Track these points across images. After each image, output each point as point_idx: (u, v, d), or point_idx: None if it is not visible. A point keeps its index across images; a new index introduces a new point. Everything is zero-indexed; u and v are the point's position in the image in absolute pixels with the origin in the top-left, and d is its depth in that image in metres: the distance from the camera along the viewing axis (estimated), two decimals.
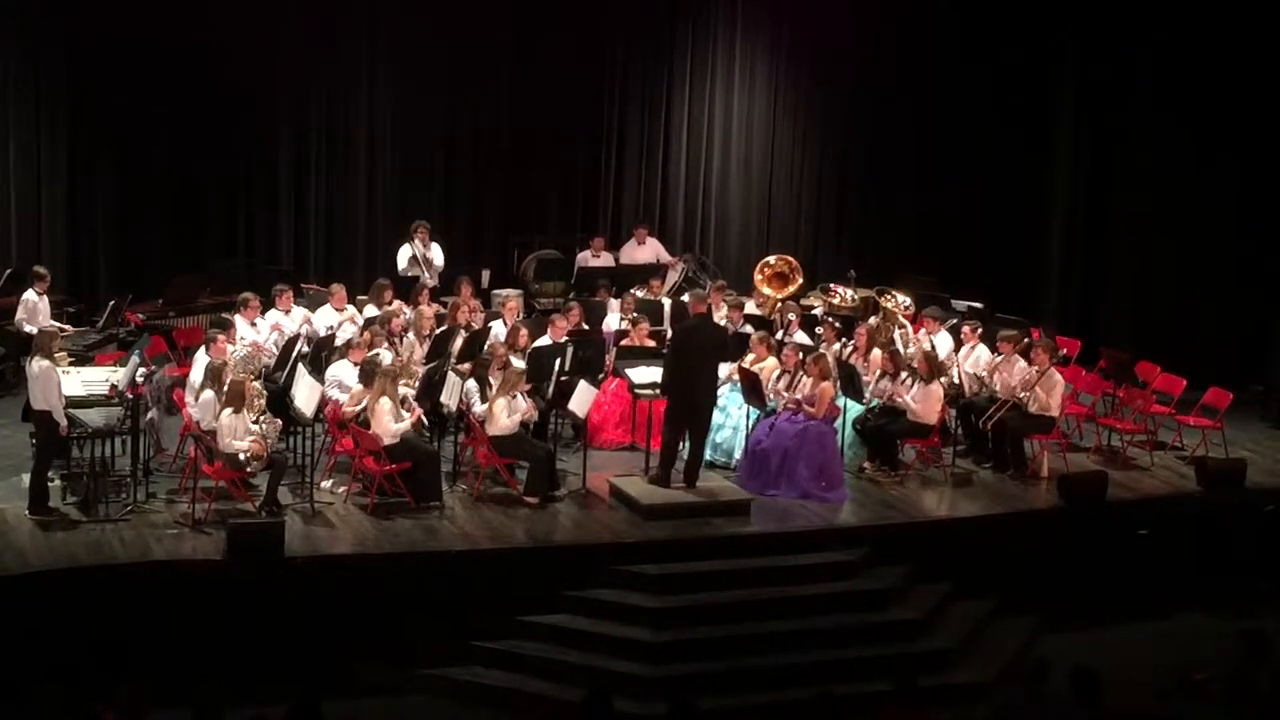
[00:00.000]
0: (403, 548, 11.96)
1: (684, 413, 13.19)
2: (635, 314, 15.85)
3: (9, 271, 16.77)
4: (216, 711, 8.09)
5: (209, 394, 12.39)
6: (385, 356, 13.67)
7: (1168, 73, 18.90)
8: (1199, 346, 18.26)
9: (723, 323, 15.87)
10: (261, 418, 12.55)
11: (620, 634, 11.72)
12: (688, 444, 13.30)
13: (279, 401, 13.23)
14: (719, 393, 14.40)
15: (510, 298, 16.50)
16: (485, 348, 14.35)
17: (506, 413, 12.97)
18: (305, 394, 12.85)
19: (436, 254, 17.50)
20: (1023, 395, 14.20)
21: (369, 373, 12.94)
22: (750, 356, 14.50)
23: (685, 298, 16.30)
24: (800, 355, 14.11)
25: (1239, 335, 18.64)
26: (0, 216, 18.01)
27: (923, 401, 13.94)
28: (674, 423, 13.25)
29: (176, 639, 10.89)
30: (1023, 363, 14.47)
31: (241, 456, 12.12)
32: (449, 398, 13.33)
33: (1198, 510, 14.16)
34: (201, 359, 13.18)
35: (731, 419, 14.32)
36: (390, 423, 12.56)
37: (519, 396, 13.11)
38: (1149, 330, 18.47)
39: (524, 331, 14.65)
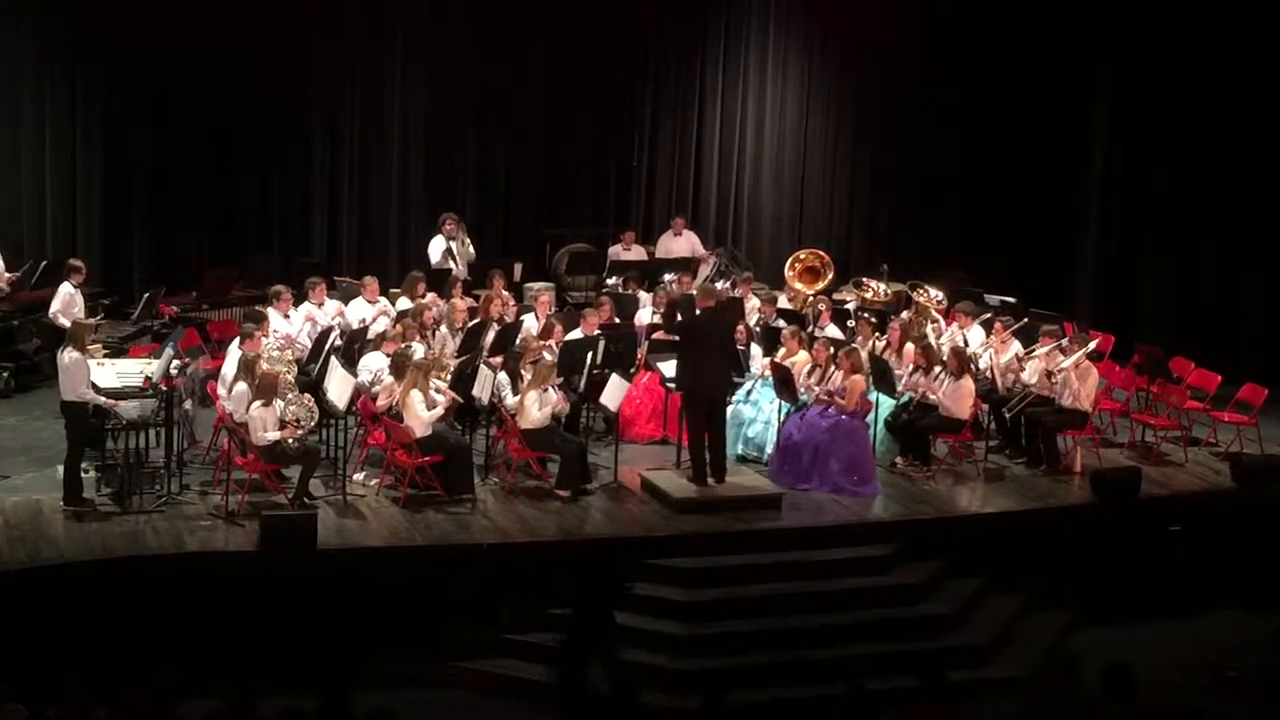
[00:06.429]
0: (435, 540, 12.00)
1: (702, 407, 13.12)
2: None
3: (44, 264, 16.85)
4: (248, 702, 8.12)
5: (242, 386, 12.42)
6: (418, 349, 13.70)
7: (1207, 66, 18.75)
8: (1234, 342, 18.11)
9: (754, 315, 15.87)
10: (291, 394, 12.52)
11: (651, 627, 11.72)
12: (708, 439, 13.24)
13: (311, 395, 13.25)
14: (752, 387, 14.40)
15: (543, 291, 16.50)
16: (517, 341, 14.38)
17: (538, 406, 12.98)
18: (338, 386, 12.89)
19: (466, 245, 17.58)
20: (1056, 379, 14.14)
21: (400, 365, 12.96)
22: (781, 351, 14.47)
23: (693, 290, 16.29)
24: (831, 349, 14.06)
25: (1275, 331, 18.49)
26: (36, 210, 18.19)
27: (953, 397, 13.88)
28: (695, 419, 13.19)
29: (209, 630, 10.95)
30: (1062, 357, 14.41)
31: (275, 436, 12.16)
32: (481, 391, 13.35)
33: (1232, 507, 14.08)
34: (234, 351, 13.22)
35: (763, 413, 14.27)
36: (422, 412, 12.59)
37: (550, 389, 13.11)
38: (1184, 325, 18.32)
39: (559, 328, 14.66)
